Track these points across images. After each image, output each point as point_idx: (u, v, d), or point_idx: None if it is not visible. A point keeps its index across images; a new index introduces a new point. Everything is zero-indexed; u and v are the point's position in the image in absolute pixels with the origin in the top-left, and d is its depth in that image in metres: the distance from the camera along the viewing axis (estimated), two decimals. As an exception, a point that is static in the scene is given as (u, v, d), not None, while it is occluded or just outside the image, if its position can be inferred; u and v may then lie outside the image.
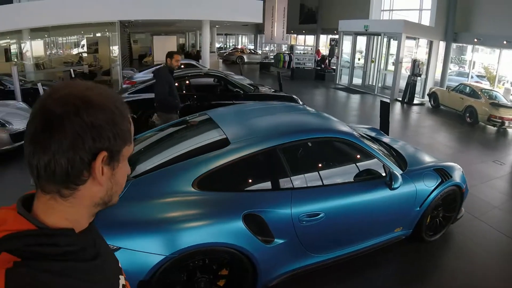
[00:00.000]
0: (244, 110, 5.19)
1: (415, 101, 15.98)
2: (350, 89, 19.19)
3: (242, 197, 3.34)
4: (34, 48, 19.99)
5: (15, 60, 18.67)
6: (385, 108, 7.24)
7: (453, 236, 4.97)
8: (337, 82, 20.87)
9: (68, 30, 20.84)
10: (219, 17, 17.26)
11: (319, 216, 3.43)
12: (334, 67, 22.57)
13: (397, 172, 3.97)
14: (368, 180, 3.96)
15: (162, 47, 20.37)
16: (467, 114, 12.76)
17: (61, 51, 22.33)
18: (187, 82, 9.40)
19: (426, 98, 16.17)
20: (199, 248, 2.95)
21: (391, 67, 18.13)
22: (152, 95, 8.66)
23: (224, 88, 9.57)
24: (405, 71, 17.75)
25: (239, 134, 3.84)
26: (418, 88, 17.38)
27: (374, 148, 4.14)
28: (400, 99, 16.12)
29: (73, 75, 15.56)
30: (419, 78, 16.05)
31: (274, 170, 3.61)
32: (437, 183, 4.31)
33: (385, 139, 5.72)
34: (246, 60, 33.33)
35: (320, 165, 4.13)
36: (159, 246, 2.83)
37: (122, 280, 1.06)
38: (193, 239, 2.92)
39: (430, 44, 17.46)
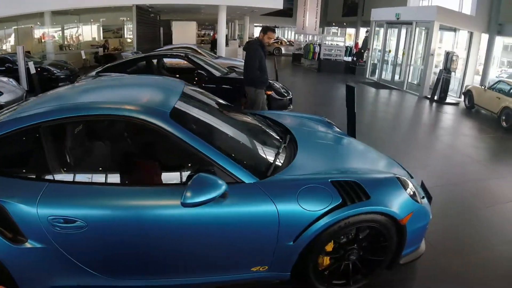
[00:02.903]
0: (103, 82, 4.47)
1: (449, 100, 13.98)
2: (379, 84, 17.43)
3: None
4: (60, 31, 21.10)
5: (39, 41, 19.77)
6: (351, 94, 5.35)
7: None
8: (366, 76, 19.07)
9: (95, 15, 21.77)
10: (236, 2, 16.53)
11: (75, 224, 2.51)
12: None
13: (232, 175, 2.70)
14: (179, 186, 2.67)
15: (182, 32, 21.15)
16: (503, 117, 10.69)
17: (88, 35, 22.98)
18: (157, 62, 9.42)
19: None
20: None
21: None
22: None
23: (189, 70, 9.11)
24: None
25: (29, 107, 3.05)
26: (455, 86, 15.38)
27: (197, 138, 2.74)
28: (429, 96, 14.19)
29: (83, 57, 16.58)
30: (453, 74, 14.00)
31: (31, 154, 2.86)
32: (332, 206, 2.73)
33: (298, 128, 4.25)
34: (283, 51, 33.24)
35: (107, 156, 3.17)
36: None
37: None
38: None
39: (470, 36, 15.27)
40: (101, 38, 22.43)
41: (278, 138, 3.75)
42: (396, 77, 17.23)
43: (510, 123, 10.38)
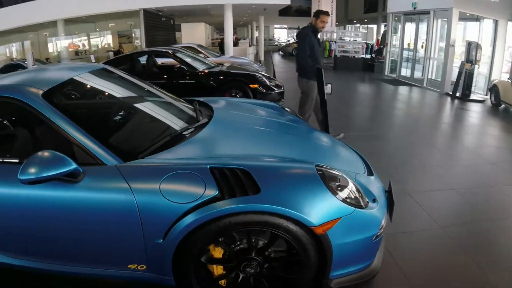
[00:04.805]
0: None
1: (474, 97, 12.65)
2: (397, 81, 16.22)
3: None
4: (77, 38, 23.17)
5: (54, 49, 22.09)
6: (319, 78, 4.81)
7: None
8: (385, 73, 17.86)
9: (110, 21, 22.79)
10: (240, 0, 15.93)
11: None
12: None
13: (91, 155, 2.41)
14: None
15: (191, 33, 21.64)
16: (533, 114, 9.44)
17: (104, 41, 24.44)
18: (147, 59, 9.12)
19: (490, 93, 12.68)
20: None
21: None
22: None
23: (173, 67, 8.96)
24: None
25: None
26: (480, 82, 14.02)
27: (61, 115, 2.47)
28: (451, 92, 12.89)
29: (93, 61, 16.30)
30: (476, 67, 12.68)
31: None
32: (204, 199, 2.20)
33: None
34: (301, 51, 32.09)
35: None
36: None
37: None
38: None
39: (495, 24, 13.88)
40: (117, 43, 23.36)
41: (188, 121, 3.28)
42: (417, 74, 15.93)
43: (540, 121, 9.10)
